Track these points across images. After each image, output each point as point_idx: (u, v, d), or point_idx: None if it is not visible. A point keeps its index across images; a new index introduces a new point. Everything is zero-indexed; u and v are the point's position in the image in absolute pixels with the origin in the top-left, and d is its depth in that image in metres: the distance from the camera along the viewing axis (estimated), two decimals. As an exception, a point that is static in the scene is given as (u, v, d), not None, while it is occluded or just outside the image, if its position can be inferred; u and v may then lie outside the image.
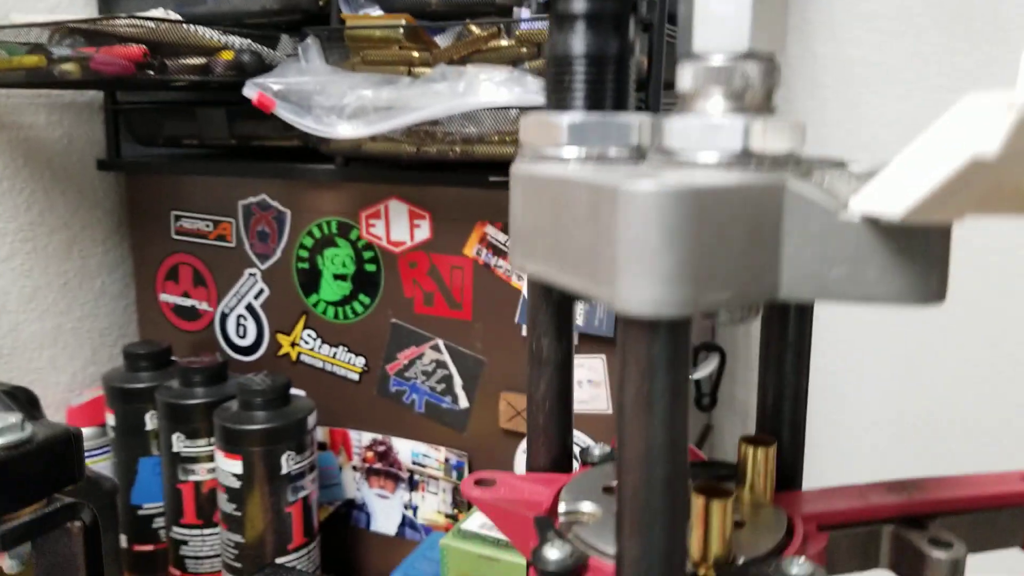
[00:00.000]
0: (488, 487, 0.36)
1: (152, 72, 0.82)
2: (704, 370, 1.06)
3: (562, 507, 0.34)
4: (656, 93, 0.86)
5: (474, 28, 0.90)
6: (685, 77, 0.28)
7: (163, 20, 0.84)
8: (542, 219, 0.30)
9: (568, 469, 0.38)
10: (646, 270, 0.23)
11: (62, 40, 0.86)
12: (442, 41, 0.89)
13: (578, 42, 0.30)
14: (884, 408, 1.17)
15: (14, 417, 0.43)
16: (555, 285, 0.28)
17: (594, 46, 0.30)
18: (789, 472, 0.37)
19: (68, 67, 0.83)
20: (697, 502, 0.29)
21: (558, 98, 0.31)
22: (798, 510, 0.34)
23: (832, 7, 1.13)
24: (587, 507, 0.34)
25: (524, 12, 0.89)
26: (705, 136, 0.27)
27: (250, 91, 0.83)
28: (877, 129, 1.12)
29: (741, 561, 0.30)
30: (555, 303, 0.35)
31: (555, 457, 0.37)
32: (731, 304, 0.25)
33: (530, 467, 0.38)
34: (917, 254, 0.25)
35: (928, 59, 1.08)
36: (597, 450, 0.39)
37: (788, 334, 0.35)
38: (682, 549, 0.26)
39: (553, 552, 0.30)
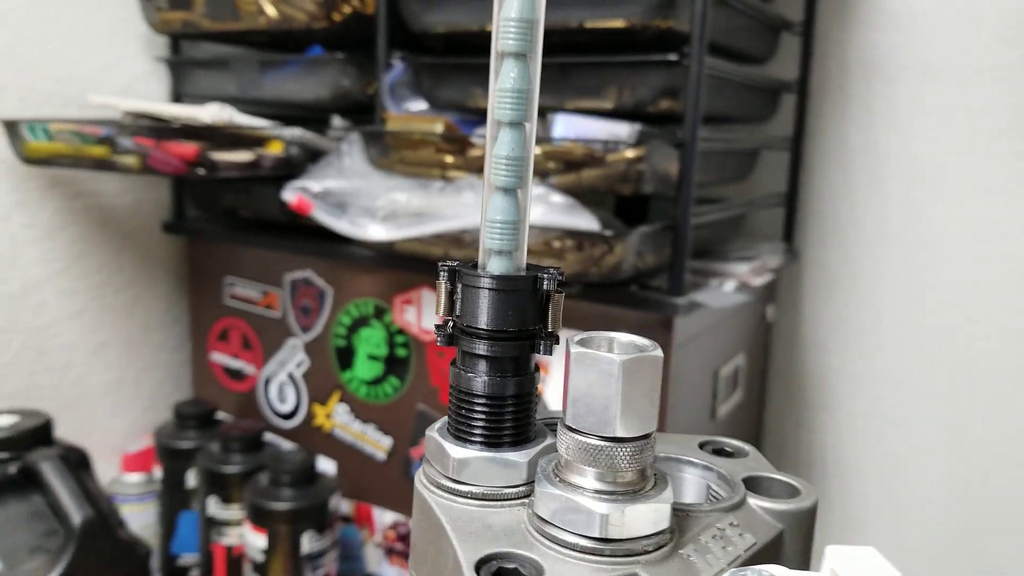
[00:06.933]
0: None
1: (203, 171, 0.87)
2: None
3: None
4: (686, 204, 0.86)
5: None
6: (561, 443, 0.30)
7: (217, 127, 0.89)
8: (429, 549, 0.32)
9: None
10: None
11: (126, 128, 0.92)
12: (480, 139, 0.91)
13: (479, 382, 0.32)
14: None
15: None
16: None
17: (494, 387, 0.32)
18: None
19: (129, 160, 0.89)
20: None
21: (459, 426, 0.32)
22: None
23: (896, 99, 1.10)
24: None
25: (558, 118, 0.90)
26: (566, 516, 0.28)
27: (289, 195, 0.87)
28: (937, 230, 1.08)
29: None
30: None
31: None
32: None
33: None
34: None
35: (991, 163, 1.04)
36: None
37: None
38: None
39: None
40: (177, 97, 1.12)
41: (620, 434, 0.28)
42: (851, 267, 1.17)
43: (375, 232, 0.87)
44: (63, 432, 0.99)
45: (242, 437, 1.00)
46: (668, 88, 0.87)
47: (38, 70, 0.98)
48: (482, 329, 0.31)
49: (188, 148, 0.87)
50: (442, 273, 0.32)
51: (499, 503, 0.31)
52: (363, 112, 1.00)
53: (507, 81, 0.31)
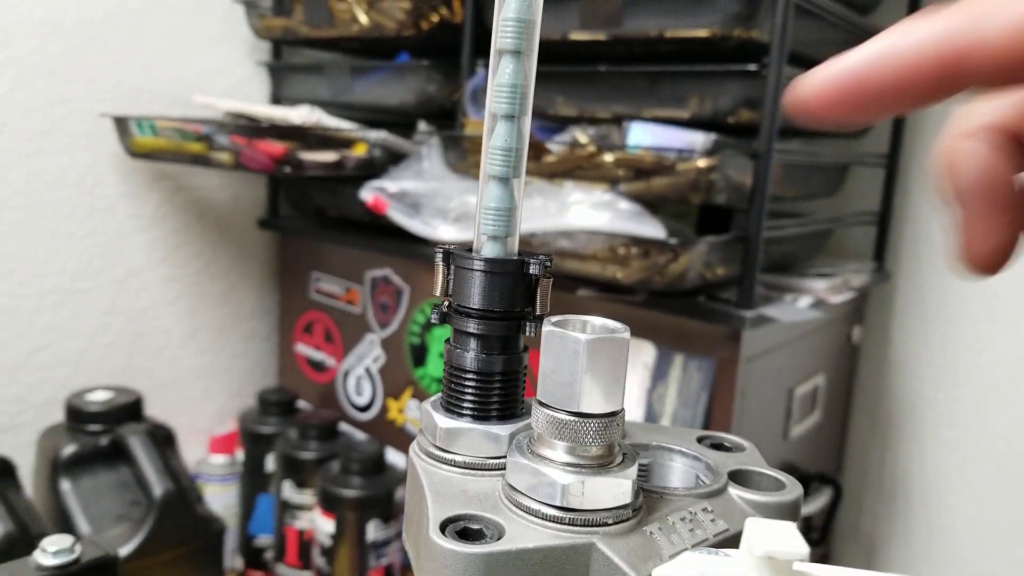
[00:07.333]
0: None
1: (289, 168, 0.92)
2: (815, 503, 1.03)
3: None
4: (759, 215, 0.85)
5: (582, 138, 0.93)
6: (534, 418, 0.31)
7: (306, 128, 0.94)
8: (415, 512, 0.33)
9: None
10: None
11: (223, 127, 0.98)
12: (557, 145, 0.92)
13: (468, 358, 0.33)
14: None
15: (67, 540, 0.51)
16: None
17: (482, 363, 0.33)
18: None
19: (223, 157, 0.94)
20: None
21: (449, 399, 0.34)
22: None
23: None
24: None
25: (634, 125, 0.91)
26: (532, 485, 0.30)
27: (367, 194, 0.91)
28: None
29: None
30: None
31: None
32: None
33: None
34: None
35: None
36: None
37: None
38: None
39: None
40: (276, 100, 1.18)
41: (585, 410, 0.29)
42: (946, 291, 1.12)
43: (445, 232, 0.89)
44: (155, 411, 1.06)
45: (319, 425, 1.04)
46: (748, 99, 0.87)
47: (149, 71, 1.06)
48: (472, 308, 0.33)
49: (277, 147, 0.92)
50: (438, 255, 0.34)
51: (480, 472, 0.33)
52: (447, 118, 1.04)
53: (503, 77, 0.32)
